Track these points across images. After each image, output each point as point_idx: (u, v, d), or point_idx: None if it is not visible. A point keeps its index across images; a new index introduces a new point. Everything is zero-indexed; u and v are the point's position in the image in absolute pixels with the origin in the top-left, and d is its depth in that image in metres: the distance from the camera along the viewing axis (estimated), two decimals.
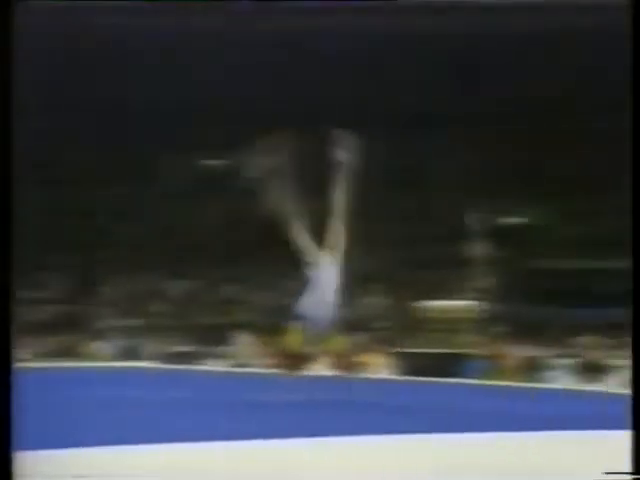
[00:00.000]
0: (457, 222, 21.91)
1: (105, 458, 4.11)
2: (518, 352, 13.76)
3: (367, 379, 11.87)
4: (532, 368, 13.24)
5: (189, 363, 16.13)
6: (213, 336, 17.95)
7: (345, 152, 6.33)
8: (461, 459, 4.07)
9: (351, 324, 20.08)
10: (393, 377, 12.48)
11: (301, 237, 6.53)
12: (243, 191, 25.39)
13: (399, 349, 14.81)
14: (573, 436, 4.98)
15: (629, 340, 16.90)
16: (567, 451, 4.51)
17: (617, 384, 10.74)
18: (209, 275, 22.98)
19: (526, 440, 4.82)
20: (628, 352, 16.14)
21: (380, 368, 13.43)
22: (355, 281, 22.95)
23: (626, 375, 11.29)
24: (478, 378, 11.89)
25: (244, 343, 15.89)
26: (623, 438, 4.99)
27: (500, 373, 12.87)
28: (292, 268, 23.23)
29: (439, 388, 10.08)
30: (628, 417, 3.69)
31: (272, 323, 19.95)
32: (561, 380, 12.14)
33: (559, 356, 14.39)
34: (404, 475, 3.73)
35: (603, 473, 3.44)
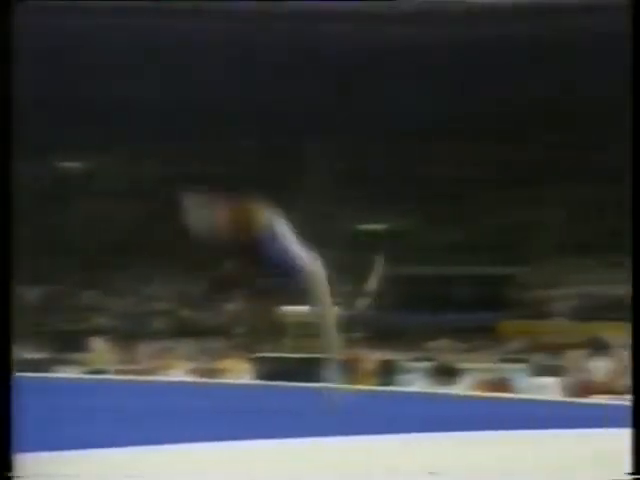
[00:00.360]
0: (321, 227, 22.09)
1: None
2: (375, 356, 13.98)
3: (226, 384, 11.81)
4: (388, 371, 13.48)
5: (43, 370, 15.64)
6: (69, 342, 17.51)
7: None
8: (320, 462, 4.09)
9: (211, 329, 20.00)
10: (252, 382, 12.46)
11: None
12: (103, 194, 24.99)
13: (258, 354, 14.82)
14: (437, 437, 5.07)
15: (481, 343, 17.43)
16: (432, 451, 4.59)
17: (468, 386, 11.06)
18: (66, 280, 22.40)
19: (387, 441, 4.89)
20: (480, 355, 16.68)
21: (240, 373, 13.39)
22: (216, 287, 22.87)
23: (477, 377, 11.64)
24: (336, 382, 11.99)
25: (101, 349, 15.55)
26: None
27: (357, 376, 13.04)
28: (151, 273, 22.91)
29: (297, 392, 10.13)
30: (628, 416, 3.79)
31: (130, 329, 19.66)
32: (417, 383, 12.40)
33: (415, 359, 14.72)
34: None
35: (601, 473, 3.47)
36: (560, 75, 21.89)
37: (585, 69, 21.87)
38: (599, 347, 13.84)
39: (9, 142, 3.86)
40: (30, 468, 3.59)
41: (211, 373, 13.40)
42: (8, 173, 3.84)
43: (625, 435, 5.37)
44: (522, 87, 22.32)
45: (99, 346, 15.62)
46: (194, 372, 13.65)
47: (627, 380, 12.58)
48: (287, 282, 6.02)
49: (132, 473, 3.78)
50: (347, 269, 22.45)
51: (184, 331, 19.69)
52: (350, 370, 13.22)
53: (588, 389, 11.64)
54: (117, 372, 14.08)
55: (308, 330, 15.82)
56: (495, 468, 4.04)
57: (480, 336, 18.43)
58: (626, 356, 13.19)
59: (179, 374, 13.26)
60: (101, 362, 14.86)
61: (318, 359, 14.07)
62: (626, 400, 10.52)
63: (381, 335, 18.29)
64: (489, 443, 5.03)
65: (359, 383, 12.21)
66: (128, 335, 17.81)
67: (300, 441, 4.70)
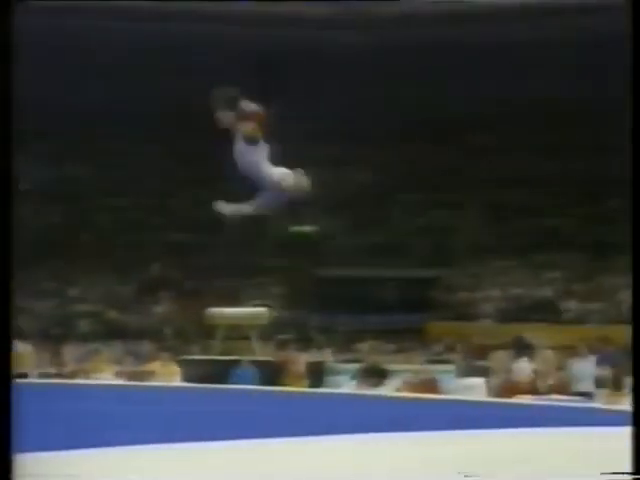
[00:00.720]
0: (250, 230, 22.09)
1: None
2: (305, 358, 14.02)
3: (153, 387, 11.71)
4: (318, 373, 13.53)
5: None
6: None
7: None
8: (253, 464, 4.11)
9: (139, 332, 19.81)
10: (179, 385, 12.38)
11: None
12: (27, 194, 24.54)
13: (186, 357, 14.76)
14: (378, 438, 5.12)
15: (408, 345, 17.55)
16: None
17: (396, 388, 11.16)
18: None
19: (319, 442, 4.92)
20: (407, 356, 16.75)
21: (169, 376, 13.30)
22: (144, 289, 22.66)
23: (405, 378, 11.75)
24: (265, 384, 12.02)
25: (25, 352, 15.25)
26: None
27: (287, 379, 13.07)
28: (77, 275, 22.56)
29: (224, 395, 10.11)
30: (554, 416, 3.84)
31: (56, 331, 19.35)
32: (346, 384, 12.47)
33: (344, 361, 14.81)
34: None
35: (601, 473, 3.48)
36: (488, 76, 22.28)
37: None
38: (523, 348, 14.11)
39: (9, 142, 3.83)
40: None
41: (139, 376, 13.28)
42: (8, 173, 3.82)
43: (552, 434, 5.52)
44: (443, 90, 22.64)
45: (23, 349, 15.31)
46: (122, 375, 13.51)
47: (550, 380, 12.92)
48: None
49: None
50: (275, 271, 22.49)
51: (111, 333, 19.46)
52: (279, 372, 13.26)
53: (512, 389, 11.85)
54: (42, 375, 13.83)
55: (237, 332, 15.80)
56: (422, 468, 4.10)
57: (407, 338, 18.61)
58: (549, 356, 13.49)
59: (106, 377, 13.10)
60: (25, 365, 14.58)
61: (245, 361, 14.06)
62: (550, 400, 10.77)
63: (312, 337, 18.35)
64: (418, 443, 5.10)
65: (288, 385, 12.24)
66: (53, 337, 17.54)
67: (233, 443, 4.71)
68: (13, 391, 3.67)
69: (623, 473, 3.54)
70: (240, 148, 6.27)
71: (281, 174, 6.29)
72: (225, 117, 6.22)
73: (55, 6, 19.06)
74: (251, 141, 6.22)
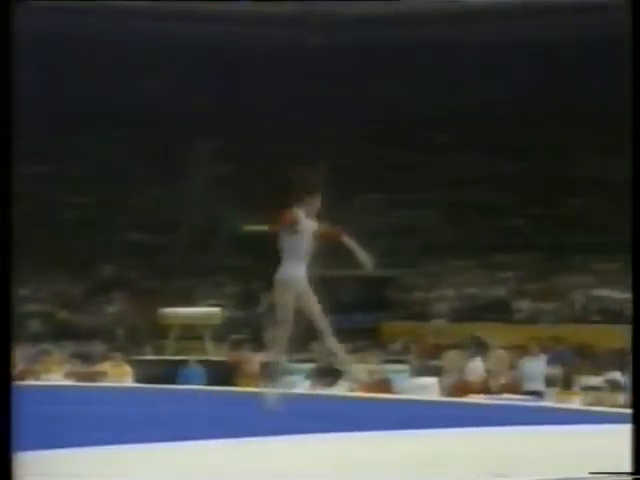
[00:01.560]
0: (204, 230, 21.96)
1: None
2: (259, 358, 13.95)
3: (105, 388, 11.59)
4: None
5: None
6: None
7: None
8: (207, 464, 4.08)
9: (91, 332, 19.60)
10: (131, 385, 12.27)
11: None
12: None
13: (138, 357, 14.65)
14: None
15: (363, 345, 17.51)
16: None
17: (350, 387, 11.16)
18: None
19: (273, 443, 4.89)
20: (362, 356, 16.72)
21: (120, 377, 13.17)
22: (97, 289, 22.39)
23: (356, 378, 11.74)
24: (218, 384, 11.95)
25: None
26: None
27: (241, 379, 13.02)
28: (27, 274, 22.25)
29: (175, 395, 10.02)
30: (508, 416, 3.81)
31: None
32: (300, 384, 12.45)
33: (298, 361, 14.76)
34: None
35: (601, 472, 3.43)
36: (450, 76, 22.39)
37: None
38: (477, 347, 14.20)
39: (9, 143, 3.78)
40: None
41: (90, 377, 13.13)
42: (8, 174, 3.77)
43: (503, 433, 5.54)
44: (405, 90, 22.71)
45: None
46: (72, 376, 13.34)
47: (502, 380, 12.98)
48: None
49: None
50: (232, 271, 22.37)
51: (62, 334, 19.22)
52: (233, 372, 13.20)
53: (465, 389, 11.92)
54: None
55: (190, 332, 15.70)
56: (375, 468, 4.09)
57: (362, 337, 18.59)
58: (502, 356, 13.58)
59: (56, 378, 12.93)
60: None
61: (198, 361, 13.94)
62: (501, 399, 10.81)
63: (265, 337, 18.26)
64: (371, 443, 5.09)
65: (243, 385, 12.19)
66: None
67: (188, 444, 4.66)
68: (13, 391, 3.66)
69: (624, 473, 3.51)
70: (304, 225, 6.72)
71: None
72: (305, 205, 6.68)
73: (55, 6, 18.93)
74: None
